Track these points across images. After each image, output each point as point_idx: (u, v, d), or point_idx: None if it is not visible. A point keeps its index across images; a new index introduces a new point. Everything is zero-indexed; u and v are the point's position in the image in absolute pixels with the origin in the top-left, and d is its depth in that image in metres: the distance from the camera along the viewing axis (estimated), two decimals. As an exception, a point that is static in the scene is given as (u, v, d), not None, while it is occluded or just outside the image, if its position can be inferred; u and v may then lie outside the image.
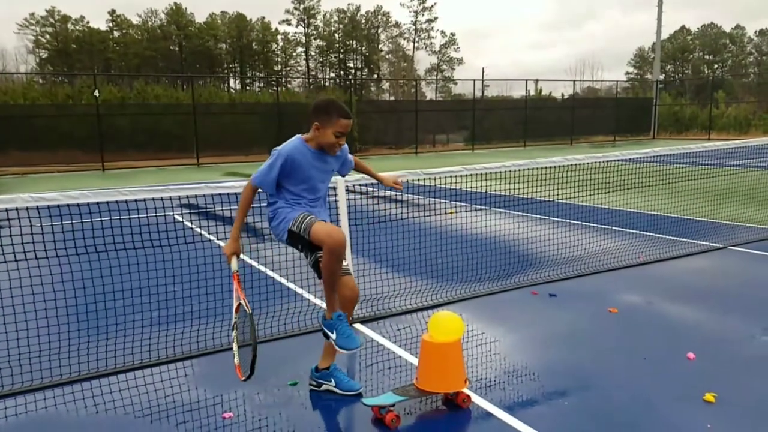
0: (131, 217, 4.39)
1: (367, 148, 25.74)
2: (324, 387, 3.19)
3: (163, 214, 5.61)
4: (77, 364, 3.45)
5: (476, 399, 3.01)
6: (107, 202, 3.68)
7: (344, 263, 3.06)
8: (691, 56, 66.72)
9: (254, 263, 5.78)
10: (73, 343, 3.72)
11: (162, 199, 3.84)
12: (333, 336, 2.95)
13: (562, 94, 35.03)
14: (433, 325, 2.98)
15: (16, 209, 3.45)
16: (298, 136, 3.05)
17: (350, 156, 3.27)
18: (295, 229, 2.92)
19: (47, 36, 52.59)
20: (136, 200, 3.77)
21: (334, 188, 4.30)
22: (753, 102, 36.82)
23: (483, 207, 8.09)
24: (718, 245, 6.26)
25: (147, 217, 4.65)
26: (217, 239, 5.56)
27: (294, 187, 2.98)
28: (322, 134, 2.93)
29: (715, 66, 65.33)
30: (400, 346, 3.73)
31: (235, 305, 2.95)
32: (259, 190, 3.02)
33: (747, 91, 46.54)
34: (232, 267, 3.00)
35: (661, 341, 3.72)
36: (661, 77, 42.30)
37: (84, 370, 3.42)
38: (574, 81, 33.21)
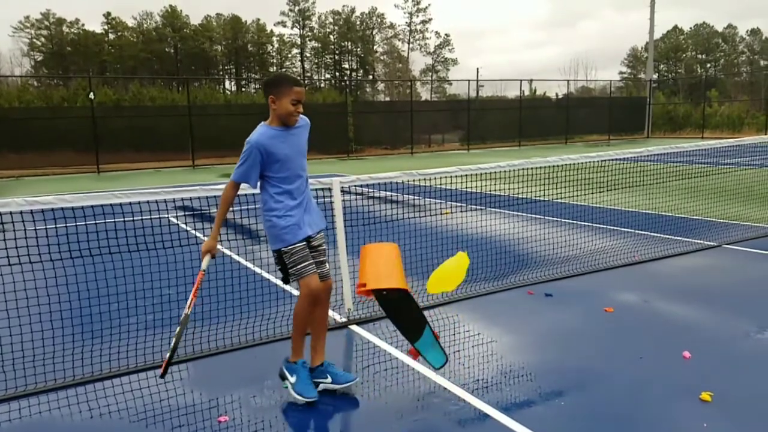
0: (126, 219, 4.38)
1: (363, 149, 25.74)
2: (321, 386, 3.12)
3: (158, 216, 5.60)
4: (71, 369, 3.44)
5: (473, 400, 3.00)
6: (102, 206, 3.66)
7: (327, 266, 3.21)
8: (684, 55, 66.98)
9: (249, 265, 5.77)
10: (68, 347, 3.71)
11: (157, 201, 3.83)
12: (292, 380, 3.05)
13: (557, 94, 35.15)
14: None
15: (10, 213, 3.43)
16: (261, 123, 3.11)
17: None
18: (288, 262, 3.04)
19: (42, 39, 52.40)
20: (130, 203, 3.76)
21: (330, 189, 4.30)
22: (746, 101, 37.03)
23: (479, 207, 8.10)
24: (712, 243, 6.28)
25: (142, 219, 4.64)
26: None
27: (276, 175, 3.03)
28: (279, 105, 3.00)
29: (708, 65, 65.60)
30: (396, 348, 3.73)
31: (190, 302, 2.92)
32: (242, 185, 3.07)
33: (740, 90, 46.82)
34: (202, 265, 3.01)
35: (656, 340, 3.73)
36: (655, 76, 42.46)
37: (78, 374, 3.40)
38: (568, 81, 33.47)
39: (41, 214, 3.70)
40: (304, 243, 3.08)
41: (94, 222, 3.90)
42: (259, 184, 3.10)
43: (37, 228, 3.85)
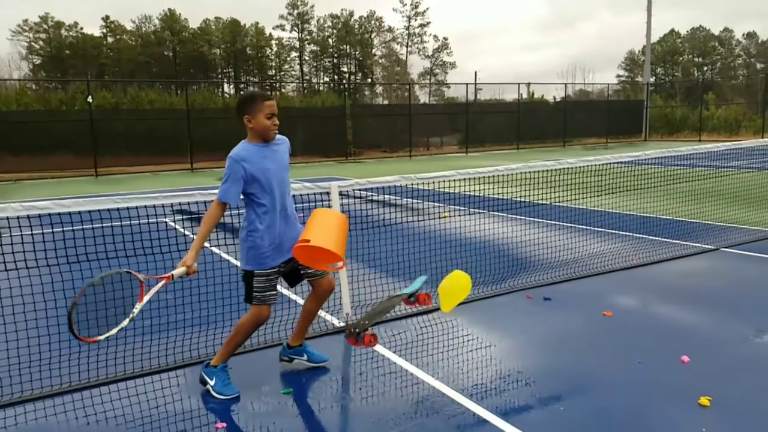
0: (123, 224, 4.36)
1: (362, 152, 25.75)
2: (296, 362, 3.49)
3: (155, 220, 5.59)
4: (68, 375, 3.42)
5: (471, 405, 2.99)
6: (99, 211, 3.65)
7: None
8: (681, 58, 67.17)
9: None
10: (64, 352, 3.69)
11: (155, 206, 3.82)
12: (211, 382, 3.16)
13: (554, 97, 35.29)
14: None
15: (7, 219, 3.42)
16: (241, 141, 3.16)
17: None
18: (255, 286, 3.11)
19: (41, 42, 52.40)
20: (128, 208, 3.74)
21: (328, 193, 4.29)
22: (742, 103, 37.11)
23: (477, 210, 8.10)
24: (710, 247, 6.28)
25: (140, 224, 4.62)
26: (210, 245, 5.54)
27: (259, 192, 3.06)
28: (256, 122, 3.06)
29: (705, 68, 65.81)
30: (394, 353, 3.72)
31: (144, 297, 2.86)
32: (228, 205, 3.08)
33: (736, 93, 46.94)
34: (174, 272, 2.93)
35: (655, 344, 3.72)
36: (652, 79, 42.57)
37: (75, 380, 3.38)
38: (565, 84, 33.35)
39: (38, 219, 3.68)
40: (277, 269, 3.16)
41: (91, 226, 3.88)
42: (244, 201, 3.14)
43: (34, 233, 3.83)
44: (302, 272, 3.28)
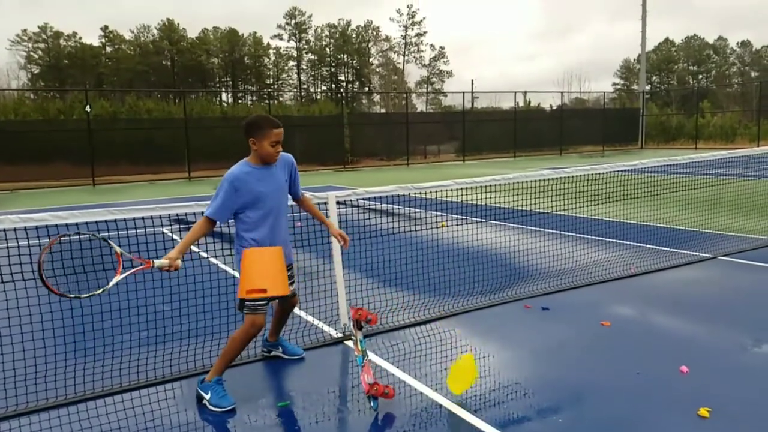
0: (120, 234, 4.35)
1: (359, 160, 25.79)
2: (273, 353, 3.79)
3: (152, 231, 5.57)
4: (63, 387, 3.40)
5: (469, 417, 2.98)
6: (96, 222, 3.64)
7: (294, 286, 3.49)
8: (676, 67, 67.59)
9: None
10: (60, 365, 3.67)
11: (152, 218, 3.81)
12: (207, 396, 3.17)
13: (551, 105, 35.45)
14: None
15: (4, 231, 3.41)
16: (242, 159, 3.26)
17: (301, 191, 3.51)
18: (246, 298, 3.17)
19: (39, 52, 52.49)
20: (125, 219, 3.74)
21: (325, 203, 4.29)
22: (738, 111, 37.32)
23: (475, 219, 8.11)
24: (708, 255, 6.29)
25: (136, 234, 4.61)
26: (207, 254, 5.52)
27: (250, 213, 3.16)
28: (260, 147, 3.16)
29: (700, 76, 66.22)
30: (392, 363, 3.70)
31: (120, 272, 2.89)
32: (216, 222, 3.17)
33: (731, 101, 47.22)
34: (156, 262, 2.97)
35: (654, 355, 3.71)
36: (647, 88, 42.77)
37: (71, 393, 3.36)
38: (562, 92, 33.50)
39: (35, 231, 3.67)
40: None
41: (87, 236, 3.87)
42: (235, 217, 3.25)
43: (31, 244, 3.82)
44: None
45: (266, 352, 3.82)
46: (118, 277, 2.87)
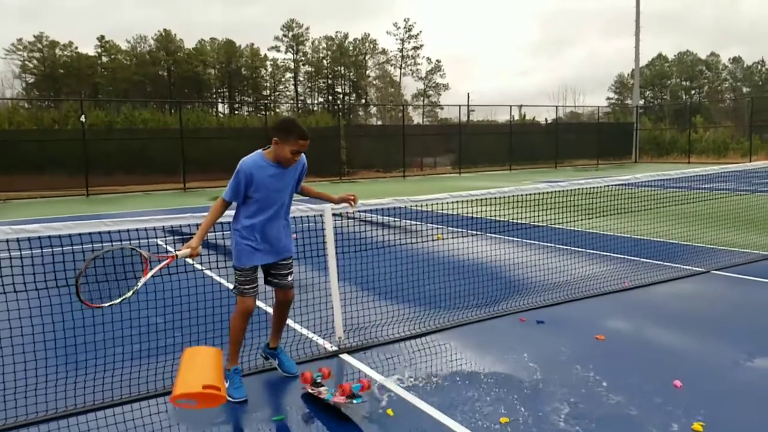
0: (114, 246, 4.32)
1: (356, 172, 25.84)
2: (270, 362, 3.77)
3: (147, 242, 5.54)
4: (54, 401, 3.36)
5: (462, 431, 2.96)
6: (90, 234, 3.62)
7: (290, 279, 3.58)
8: (669, 82, 68.31)
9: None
10: (51, 378, 3.63)
11: (146, 229, 3.80)
12: (226, 385, 3.25)
13: (546, 119, 35.61)
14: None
15: (-4, 241, 3.38)
16: (259, 150, 3.38)
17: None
18: (236, 278, 3.44)
19: (35, 61, 52.52)
20: (119, 231, 3.72)
21: (321, 215, 4.29)
22: (730, 126, 37.65)
23: (471, 232, 8.12)
24: (701, 269, 6.31)
25: (131, 245, 4.59)
26: (201, 267, 5.49)
27: (253, 199, 3.32)
28: (280, 149, 3.28)
29: (693, 92, 66.92)
30: (387, 377, 3.68)
31: (148, 272, 3.07)
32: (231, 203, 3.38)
33: (724, 116, 47.62)
34: (179, 253, 3.16)
35: (647, 369, 3.71)
36: (641, 102, 43.16)
37: (62, 407, 3.32)
38: (557, 106, 33.71)
39: (27, 242, 3.65)
40: (255, 267, 3.44)
41: (81, 247, 3.85)
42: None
43: (23, 255, 3.79)
44: (270, 277, 3.58)
45: (264, 358, 3.83)
46: (145, 277, 3.06)
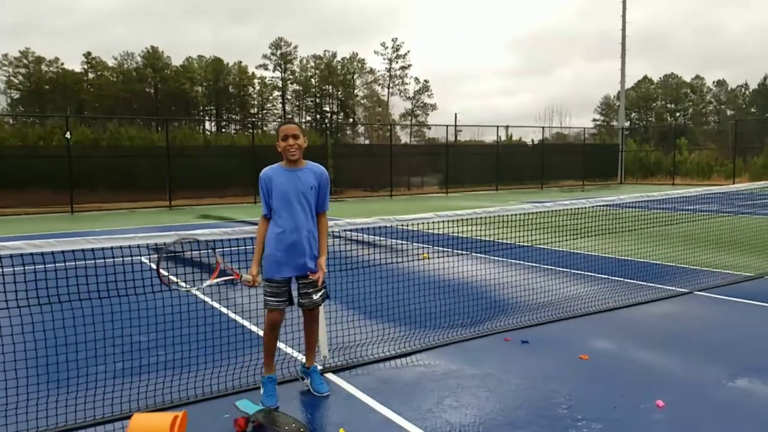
0: (97, 263, 4.29)
1: (343, 191, 25.87)
2: (305, 381, 3.83)
3: (131, 260, 5.49)
4: (35, 420, 3.30)
5: (449, 452, 2.95)
6: (73, 251, 3.59)
7: (316, 297, 3.67)
8: (654, 104, 69.73)
9: (224, 310, 5.67)
10: (32, 396, 3.56)
11: (130, 247, 3.78)
12: (261, 391, 3.56)
13: (532, 140, 36.10)
14: None
15: (-23, 258, 3.34)
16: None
17: (325, 209, 3.72)
18: (264, 291, 3.58)
19: (20, 77, 52.21)
20: (102, 249, 3.70)
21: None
22: (714, 149, 38.40)
23: (457, 252, 8.15)
24: (684, 290, 6.40)
25: (114, 263, 4.55)
26: (186, 284, 5.45)
27: (275, 208, 3.54)
28: (278, 146, 3.56)
29: (677, 114, 68.30)
30: (371, 396, 3.67)
31: (215, 278, 3.46)
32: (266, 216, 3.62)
33: (708, 138, 48.56)
34: (244, 276, 3.49)
35: (630, 388, 3.74)
36: (627, 124, 43.92)
37: (42, 425, 3.26)
38: (543, 127, 34.21)
39: (9, 259, 3.61)
40: (280, 281, 3.54)
41: (63, 265, 3.81)
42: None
43: (5, 272, 3.75)
44: (299, 296, 3.67)
45: (301, 378, 3.90)
46: (211, 281, 3.30)
